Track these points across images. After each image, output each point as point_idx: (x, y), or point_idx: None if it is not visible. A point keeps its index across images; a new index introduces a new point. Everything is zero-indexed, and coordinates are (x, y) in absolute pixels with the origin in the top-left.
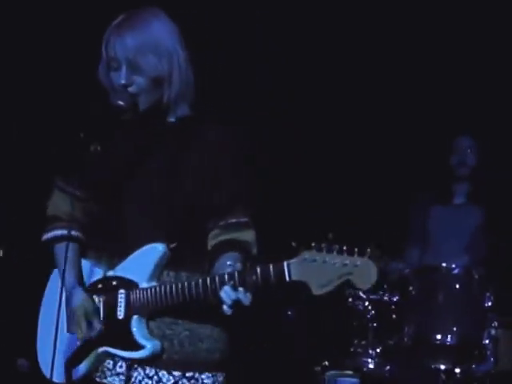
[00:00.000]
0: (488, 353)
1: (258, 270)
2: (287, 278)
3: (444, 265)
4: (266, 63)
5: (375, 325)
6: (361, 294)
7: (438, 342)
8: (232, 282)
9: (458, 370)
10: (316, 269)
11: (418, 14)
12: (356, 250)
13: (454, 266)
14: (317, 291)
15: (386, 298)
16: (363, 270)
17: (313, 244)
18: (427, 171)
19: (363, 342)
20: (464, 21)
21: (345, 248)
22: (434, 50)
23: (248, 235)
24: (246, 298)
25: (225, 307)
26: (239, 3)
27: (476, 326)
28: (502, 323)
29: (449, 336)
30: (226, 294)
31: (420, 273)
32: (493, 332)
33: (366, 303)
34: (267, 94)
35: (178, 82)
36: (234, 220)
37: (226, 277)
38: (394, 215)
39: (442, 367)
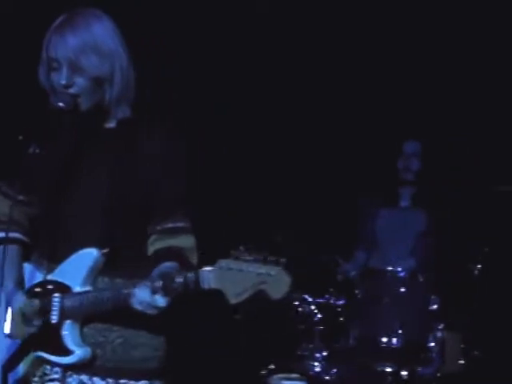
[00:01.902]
0: (434, 355)
1: (177, 276)
2: (203, 286)
3: (389, 268)
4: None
5: (321, 328)
6: (307, 297)
7: (384, 345)
8: (152, 288)
9: (404, 373)
10: (232, 277)
11: (366, 21)
12: (272, 259)
13: (399, 269)
14: (232, 300)
15: (332, 302)
16: (277, 280)
17: (231, 252)
18: (375, 174)
19: (310, 346)
20: (410, 25)
21: (261, 257)
22: (383, 54)
23: (184, 241)
24: (162, 301)
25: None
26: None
27: (421, 329)
28: (448, 326)
29: (394, 339)
30: (142, 296)
31: (366, 276)
32: (439, 334)
33: (313, 306)
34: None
35: (120, 83)
36: (170, 225)
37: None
38: (342, 218)
39: (388, 370)
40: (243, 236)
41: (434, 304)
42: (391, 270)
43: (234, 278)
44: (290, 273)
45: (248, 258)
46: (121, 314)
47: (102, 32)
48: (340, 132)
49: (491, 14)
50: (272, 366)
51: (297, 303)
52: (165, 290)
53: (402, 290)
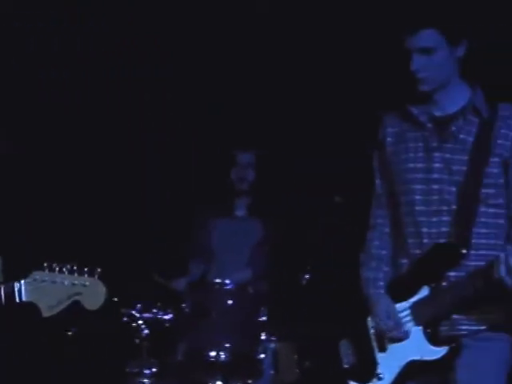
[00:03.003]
0: (264, 367)
1: None
2: (17, 299)
3: (217, 280)
4: None
5: (149, 343)
6: (134, 312)
7: (212, 359)
8: None
9: None
10: (45, 289)
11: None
12: (86, 269)
13: (227, 281)
14: (45, 313)
15: (159, 316)
16: (92, 291)
17: (44, 264)
18: (209, 184)
19: (138, 362)
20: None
21: (75, 268)
22: (216, 62)
23: None
24: None
25: None
26: None
27: (249, 341)
28: (281, 336)
29: (222, 352)
30: None
31: (193, 289)
32: (271, 346)
33: (140, 321)
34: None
35: None
36: None
37: None
38: (178, 229)
39: None
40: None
41: (262, 315)
42: (218, 283)
43: (48, 289)
44: (105, 283)
45: (62, 268)
46: None
47: None
48: (175, 141)
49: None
50: None
51: (125, 319)
52: None
53: (229, 302)
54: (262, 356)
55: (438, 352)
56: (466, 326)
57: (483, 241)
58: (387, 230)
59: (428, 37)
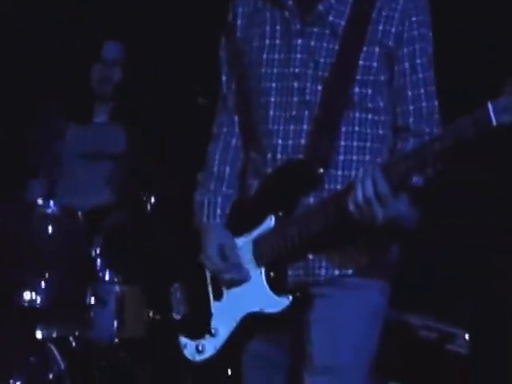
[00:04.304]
0: (105, 315)
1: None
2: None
3: (39, 201)
4: None
5: None
6: None
7: (26, 304)
8: None
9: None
10: None
11: None
12: None
13: (50, 203)
14: None
15: None
16: None
17: None
18: (62, 79)
19: None
20: None
21: None
22: None
23: None
24: None
25: None
26: None
27: (76, 282)
28: (126, 278)
29: (39, 295)
30: None
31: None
32: (116, 289)
33: None
34: None
35: None
36: None
37: None
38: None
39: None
40: None
41: (97, 248)
42: (39, 204)
43: None
44: None
45: None
46: None
47: None
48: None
49: None
50: None
51: None
52: None
53: (50, 230)
54: (92, 301)
55: (279, 303)
56: (324, 270)
57: (354, 157)
58: (234, 141)
59: None
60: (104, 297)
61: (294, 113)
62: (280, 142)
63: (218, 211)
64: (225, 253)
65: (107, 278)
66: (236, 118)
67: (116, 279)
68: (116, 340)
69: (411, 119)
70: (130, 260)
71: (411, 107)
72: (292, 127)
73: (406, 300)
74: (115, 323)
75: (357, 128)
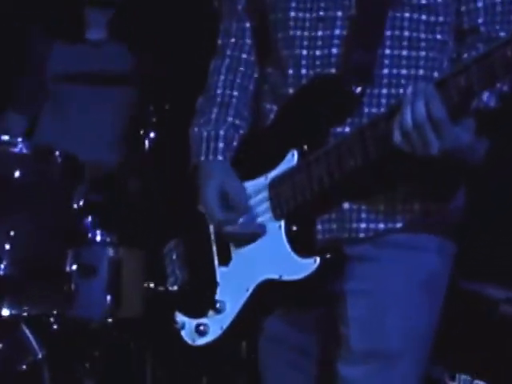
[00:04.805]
0: (76, 288)
1: None
2: None
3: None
4: None
5: None
6: None
7: None
8: None
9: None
10: None
11: None
12: None
13: (18, 139)
14: None
15: None
16: None
17: None
18: None
19: None
20: None
21: None
22: None
23: None
24: None
25: None
26: None
27: (54, 245)
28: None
29: (3, 263)
30: None
31: None
32: (109, 252)
33: None
34: None
35: None
36: None
37: None
38: None
39: None
40: None
41: (80, 200)
42: (4, 141)
43: None
44: None
45: None
46: None
47: None
48: None
49: None
50: None
51: None
52: None
53: (17, 175)
54: (74, 268)
55: (304, 268)
56: (364, 224)
57: (403, 71)
58: (245, 54)
59: None
60: (92, 263)
61: (321, 13)
62: (304, 52)
63: (221, 145)
64: (228, 199)
65: (98, 238)
66: (247, 24)
67: (108, 239)
68: (109, 320)
69: (480, 19)
70: (126, 213)
71: (480, 3)
72: (320, 33)
73: (482, 267)
74: (108, 298)
75: (406, 33)
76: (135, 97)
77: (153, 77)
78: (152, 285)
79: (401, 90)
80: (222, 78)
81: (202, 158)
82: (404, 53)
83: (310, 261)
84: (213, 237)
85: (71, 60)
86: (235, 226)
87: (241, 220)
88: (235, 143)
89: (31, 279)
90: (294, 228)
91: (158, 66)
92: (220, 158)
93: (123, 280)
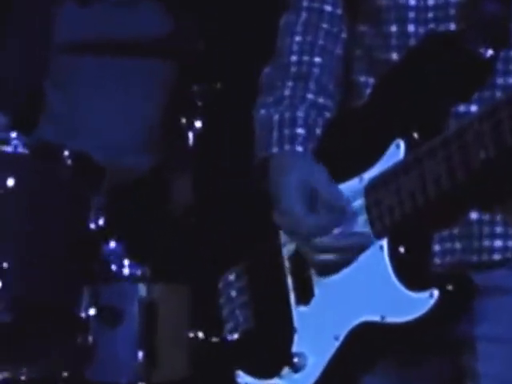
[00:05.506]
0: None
1: None
2: None
3: None
4: None
5: None
6: None
7: None
8: None
9: None
10: None
11: None
12: None
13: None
14: None
15: None
16: None
17: None
18: None
19: None
20: None
21: None
22: None
23: None
24: None
25: None
26: None
27: (65, 277)
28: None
29: None
30: None
31: None
32: (142, 291)
33: None
34: None
35: None
36: None
37: None
38: None
39: None
40: None
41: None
42: None
43: None
44: None
45: None
46: None
47: None
48: None
49: None
50: None
51: None
52: None
53: (11, 183)
54: (92, 311)
55: (416, 305)
56: (501, 242)
57: None
58: (329, 7)
59: None
60: (117, 306)
61: None
62: (412, 1)
63: (300, 132)
64: (318, 199)
65: (126, 271)
66: None
67: (139, 272)
68: None
69: None
70: (163, 236)
71: None
72: None
73: None
74: (140, 354)
75: None
76: (174, 73)
77: (198, 46)
78: (201, 334)
79: None
80: (298, 39)
81: (275, 150)
82: None
83: (424, 295)
84: (287, 263)
85: (87, 25)
86: (331, 237)
87: (338, 229)
88: (318, 130)
89: (32, 328)
90: (402, 249)
91: (204, 32)
92: (299, 148)
93: (160, 329)
